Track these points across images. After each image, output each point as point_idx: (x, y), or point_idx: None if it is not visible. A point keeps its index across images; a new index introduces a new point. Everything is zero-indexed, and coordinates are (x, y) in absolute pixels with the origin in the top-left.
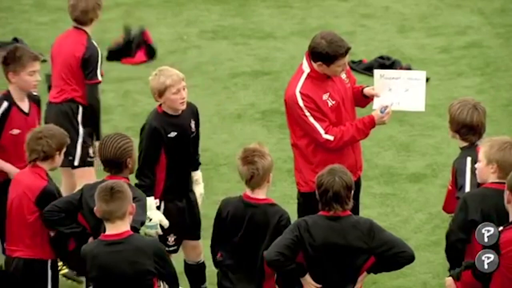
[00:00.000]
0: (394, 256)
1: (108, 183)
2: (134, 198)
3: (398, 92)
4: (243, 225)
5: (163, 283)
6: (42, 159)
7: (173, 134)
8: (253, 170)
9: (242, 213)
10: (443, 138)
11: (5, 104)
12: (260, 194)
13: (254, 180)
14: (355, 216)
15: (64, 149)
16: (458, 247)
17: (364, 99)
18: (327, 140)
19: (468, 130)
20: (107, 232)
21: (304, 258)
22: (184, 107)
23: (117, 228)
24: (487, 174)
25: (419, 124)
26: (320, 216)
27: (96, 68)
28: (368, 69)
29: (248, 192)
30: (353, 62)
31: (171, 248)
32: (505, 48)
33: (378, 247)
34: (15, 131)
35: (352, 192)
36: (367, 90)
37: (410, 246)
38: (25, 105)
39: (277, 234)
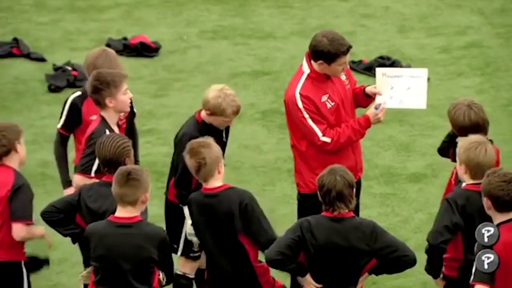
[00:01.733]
0: (396, 259)
1: (128, 168)
2: None
3: (400, 90)
4: (209, 217)
5: (161, 272)
6: (6, 154)
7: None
8: (200, 160)
9: (204, 205)
10: (443, 138)
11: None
12: (216, 183)
13: (202, 171)
14: (358, 217)
15: (22, 139)
16: (443, 248)
17: (366, 99)
18: (324, 142)
19: (470, 130)
20: (117, 214)
21: (305, 258)
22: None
23: (127, 212)
24: (461, 174)
25: (419, 124)
26: (323, 216)
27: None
28: (368, 69)
29: (204, 184)
30: (353, 62)
31: (195, 254)
32: (505, 48)
33: (381, 249)
34: None
35: (354, 190)
36: (369, 89)
37: (411, 249)
38: (116, 130)
39: (243, 216)
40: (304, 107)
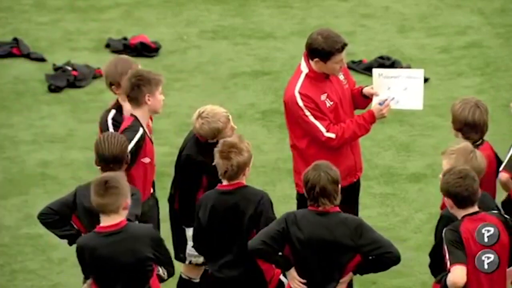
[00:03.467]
0: (380, 256)
1: (104, 177)
2: (132, 195)
3: (397, 91)
4: (224, 213)
5: (161, 268)
6: None
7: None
8: (228, 166)
9: (221, 202)
10: (443, 138)
11: (141, 130)
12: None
13: (227, 174)
14: (344, 213)
15: None
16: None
17: (364, 100)
18: (329, 138)
19: (470, 128)
20: (102, 224)
21: (290, 251)
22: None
23: (112, 219)
24: None
25: (419, 124)
26: (309, 210)
27: None
28: (368, 69)
29: (225, 182)
30: (353, 62)
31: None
32: (505, 48)
33: (365, 245)
34: (146, 160)
35: (340, 186)
36: (366, 90)
37: (396, 247)
38: (149, 130)
39: (259, 214)
40: (304, 105)
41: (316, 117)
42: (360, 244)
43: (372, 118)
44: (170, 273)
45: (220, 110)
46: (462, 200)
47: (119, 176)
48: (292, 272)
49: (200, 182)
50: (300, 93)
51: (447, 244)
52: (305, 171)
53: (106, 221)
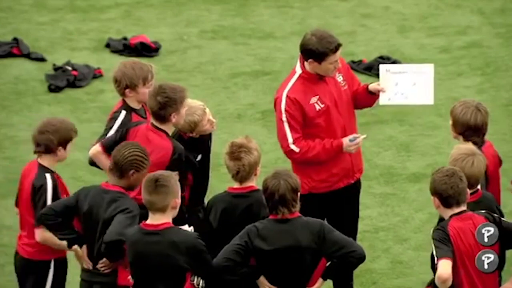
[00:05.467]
0: (345, 256)
1: (155, 174)
2: (125, 210)
3: (405, 86)
4: (237, 217)
5: (197, 277)
6: (45, 152)
7: (199, 157)
8: (239, 166)
9: (233, 206)
10: (443, 138)
11: (181, 147)
12: (248, 184)
13: (240, 175)
14: (305, 217)
15: (71, 143)
16: None
17: (371, 96)
18: (292, 150)
19: (473, 131)
20: (148, 221)
21: (256, 262)
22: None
23: (157, 219)
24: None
25: (419, 124)
26: (270, 220)
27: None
28: (368, 69)
29: (236, 185)
30: (353, 62)
31: None
32: (505, 48)
33: (329, 247)
34: None
35: (299, 194)
36: (372, 86)
37: (361, 246)
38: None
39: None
40: (286, 109)
41: (289, 126)
42: (323, 246)
43: (339, 148)
44: (210, 286)
45: (196, 103)
46: (447, 198)
47: (170, 175)
48: (262, 280)
49: (186, 180)
50: (288, 96)
51: (435, 242)
52: (265, 178)
53: (151, 219)
